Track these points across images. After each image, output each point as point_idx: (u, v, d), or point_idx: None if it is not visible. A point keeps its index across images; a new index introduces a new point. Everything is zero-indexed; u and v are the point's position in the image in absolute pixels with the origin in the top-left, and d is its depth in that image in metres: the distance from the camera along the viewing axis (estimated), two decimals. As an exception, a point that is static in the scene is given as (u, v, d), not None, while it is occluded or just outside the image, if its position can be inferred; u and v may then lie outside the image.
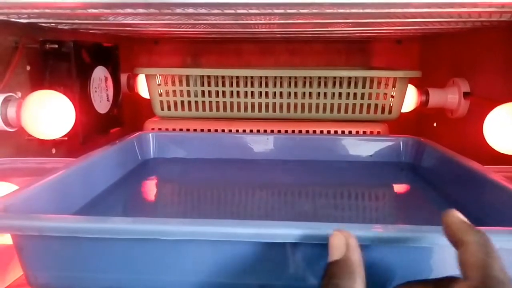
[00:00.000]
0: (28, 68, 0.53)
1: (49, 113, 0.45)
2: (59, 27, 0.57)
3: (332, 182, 0.49)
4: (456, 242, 0.20)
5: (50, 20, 0.49)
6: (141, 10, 0.39)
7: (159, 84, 0.64)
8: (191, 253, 0.25)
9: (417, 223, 0.24)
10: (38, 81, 0.53)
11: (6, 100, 0.45)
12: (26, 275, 0.27)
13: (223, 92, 0.63)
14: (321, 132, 0.62)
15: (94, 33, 0.68)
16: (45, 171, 0.35)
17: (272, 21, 0.48)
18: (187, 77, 0.62)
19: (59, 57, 0.52)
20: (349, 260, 0.20)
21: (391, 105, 0.63)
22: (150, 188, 0.47)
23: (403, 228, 0.24)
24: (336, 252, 0.21)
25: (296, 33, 0.67)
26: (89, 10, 0.39)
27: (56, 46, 0.52)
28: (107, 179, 0.43)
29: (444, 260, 0.24)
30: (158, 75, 0.64)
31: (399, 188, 0.48)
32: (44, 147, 0.56)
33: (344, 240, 0.21)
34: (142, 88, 0.77)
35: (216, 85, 0.62)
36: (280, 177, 0.50)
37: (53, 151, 0.59)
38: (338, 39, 0.83)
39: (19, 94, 0.49)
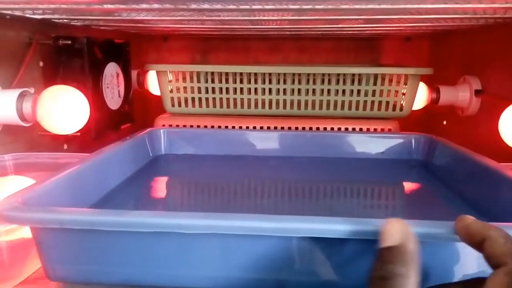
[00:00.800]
0: (41, 64, 0.53)
1: (65, 108, 0.46)
2: (72, 23, 0.57)
3: (343, 179, 0.49)
4: (477, 241, 0.20)
5: (64, 16, 0.49)
6: (155, 6, 0.39)
7: (170, 81, 0.64)
8: (210, 247, 0.25)
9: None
10: (51, 77, 0.53)
11: (22, 95, 0.45)
12: (44, 268, 0.27)
13: (234, 89, 0.63)
14: (332, 129, 0.62)
15: (104, 29, 0.68)
16: (58, 166, 0.36)
17: (284, 17, 0.48)
18: (198, 73, 0.62)
19: (72, 53, 0.52)
20: (406, 247, 0.20)
21: (402, 102, 0.63)
22: (162, 184, 0.47)
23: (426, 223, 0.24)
24: (390, 238, 0.20)
25: (306, 30, 0.67)
26: (105, 6, 0.39)
27: (69, 42, 0.52)
28: (120, 175, 0.44)
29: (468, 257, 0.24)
30: (169, 71, 0.64)
31: (411, 185, 0.48)
32: (56, 143, 0.57)
33: (399, 228, 0.21)
34: (152, 84, 0.77)
35: (227, 81, 0.62)
36: (290, 174, 0.50)
37: (65, 146, 0.59)
38: (347, 37, 0.83)
39: (32, 89, 0.49)
